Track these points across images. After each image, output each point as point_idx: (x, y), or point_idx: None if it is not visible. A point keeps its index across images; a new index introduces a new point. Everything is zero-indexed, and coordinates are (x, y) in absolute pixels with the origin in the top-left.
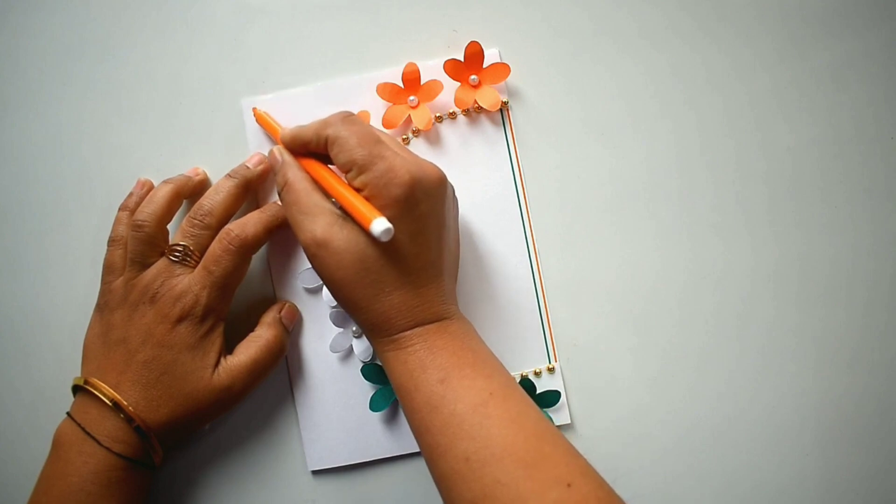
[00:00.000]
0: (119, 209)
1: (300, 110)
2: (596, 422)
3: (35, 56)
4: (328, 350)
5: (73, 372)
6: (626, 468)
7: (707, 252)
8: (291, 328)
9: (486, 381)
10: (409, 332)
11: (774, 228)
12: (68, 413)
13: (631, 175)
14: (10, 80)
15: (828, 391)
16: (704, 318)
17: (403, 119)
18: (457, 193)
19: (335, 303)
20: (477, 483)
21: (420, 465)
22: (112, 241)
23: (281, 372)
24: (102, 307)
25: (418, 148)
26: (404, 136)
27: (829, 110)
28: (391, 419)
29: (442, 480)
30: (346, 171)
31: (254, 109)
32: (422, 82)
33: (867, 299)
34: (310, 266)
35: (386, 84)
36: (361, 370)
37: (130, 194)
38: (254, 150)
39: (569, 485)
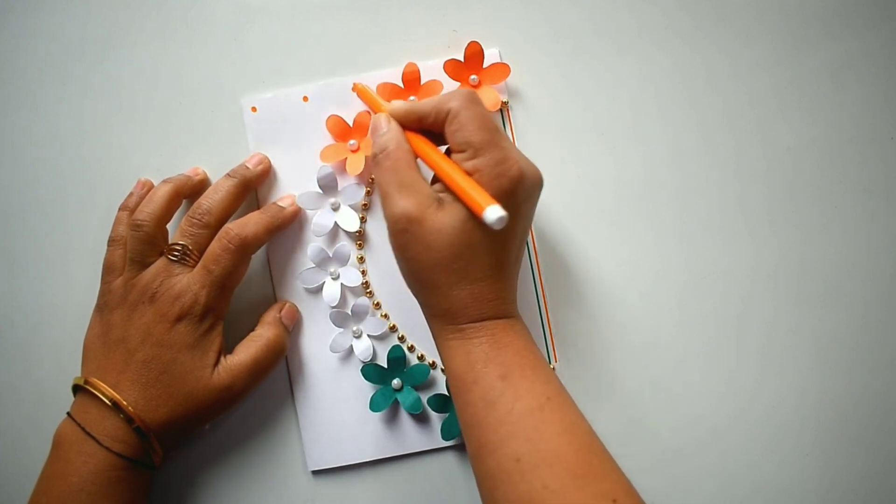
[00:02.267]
0: (119, 209)
1: (300, 110)
2: (595, 422)
3: (35, 56)
4: (328, 350)
5: (73, 372)
6: (626, 468)
7: (707, 252)
8: (291, 328)
9: (545, 385)
10: (478, 324)
11: (774, 228)
12: (68, 413)
13: (631, 175)
14: (10, 80)
15: (828, 391)
16: (704, 318)
17: None
18: None
19: (335, 302)
20: (525, 485)
21: (420, 466)
22: (112, 241)
23: (281, 372)
24: (102, 307)
25: None
26: None
27: (829, 110)
28: (391, 419)
29: (486, 478)
30: (459, 151)
31: (354, 84)
32: (422, 82)
33: (867, 299)
34: (310, 266)
35: (386, 84)
36: (361, 370)
37: (130, 194)
38: (254, 150)
39: (614, 501)
